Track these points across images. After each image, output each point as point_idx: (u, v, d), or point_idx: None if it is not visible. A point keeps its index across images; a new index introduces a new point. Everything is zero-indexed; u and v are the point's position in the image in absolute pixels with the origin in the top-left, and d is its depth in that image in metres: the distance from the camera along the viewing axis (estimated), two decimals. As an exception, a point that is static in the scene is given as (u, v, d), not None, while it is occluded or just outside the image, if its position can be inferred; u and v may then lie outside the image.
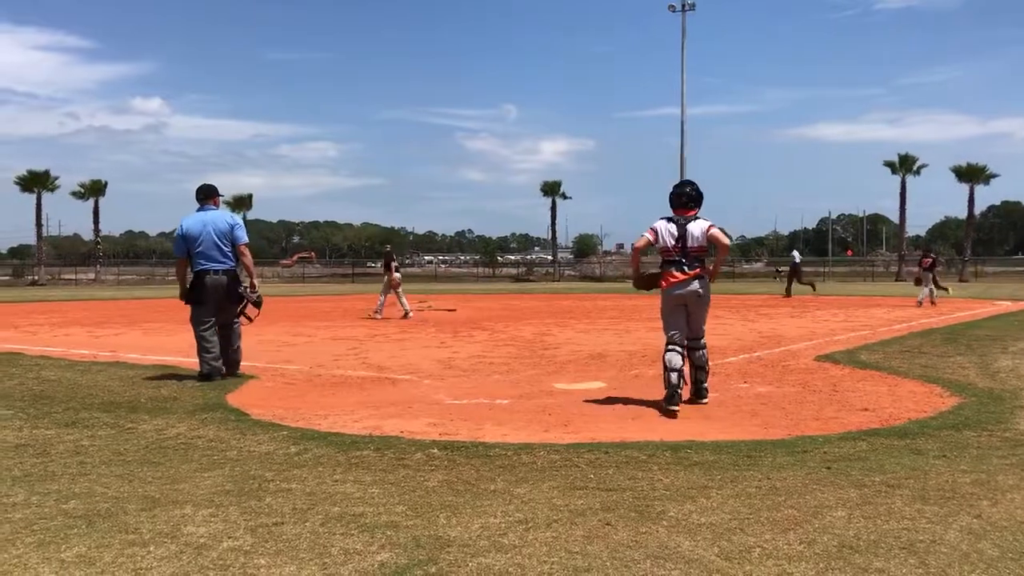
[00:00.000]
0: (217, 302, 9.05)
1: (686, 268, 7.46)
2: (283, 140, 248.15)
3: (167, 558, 3.63)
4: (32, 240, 68.70)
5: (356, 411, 7.16)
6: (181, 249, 9.09)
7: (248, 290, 9.28)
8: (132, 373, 9.51)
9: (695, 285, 7.46)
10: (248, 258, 9.22)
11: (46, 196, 64.81)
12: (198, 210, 9.19)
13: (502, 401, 7.76)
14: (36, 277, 62.65)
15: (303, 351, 12.30)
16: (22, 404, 7.45)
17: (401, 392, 8.37)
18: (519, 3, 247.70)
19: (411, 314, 20.01)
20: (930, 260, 25.72)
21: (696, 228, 7.46)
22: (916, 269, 28.13)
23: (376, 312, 20.19)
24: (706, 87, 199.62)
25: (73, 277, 65.98)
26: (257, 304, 9.34)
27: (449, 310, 23.35)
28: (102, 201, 68.28)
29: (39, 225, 65.42)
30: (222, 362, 8.99)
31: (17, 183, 64.77)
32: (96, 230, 70.22)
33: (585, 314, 21.40)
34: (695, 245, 7.45)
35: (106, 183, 68.30)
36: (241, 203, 73.68)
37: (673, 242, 7.45)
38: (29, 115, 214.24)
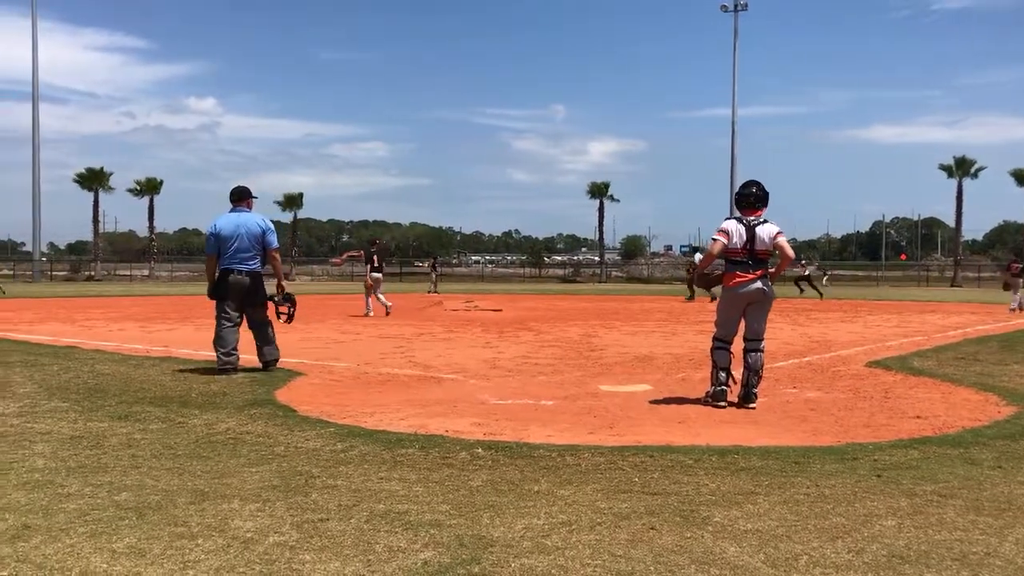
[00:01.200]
0: (240, 301, 9.19)
1: (751, 269, 7.46)
2: (334, 139, 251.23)
3: (214, 551, 3.68)
4: (89, 236, 70.26)
5: (402, 409, 7.16)
6: (212, 247, 9.26)
7: (277, 293, 9.49)
8: (183, 368, 9.62)
9: (760, 284, 7.52)
10: (278, 263, 9.37)
11: (103, 193, 66.27)
12: (231, 211, 9.32)
13: (547, 402, 7.71)
14: (93, 273, 64.11)
15: (351, 348, 12.35)
16: (77, 397, 7.58)
17: (446, 391, 8.36)
18: (568, 3, 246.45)
19: (371, 314, 20.15)
20: (1020, 266, 25.05)
21: (764, 232, 7.51)
22: (1004, 274, 27.40)
23: (373, 310, 20.57)
24: (758, 88, 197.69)
25: (128, 273, 67.36)
26: (289, 302, 9.53)
27: (495, 310, 23.35)
28: (157, 199, 69.62)
29: (96, 222, 67.11)
30: (236, 358, 9.14)
31: (76, 180, 66.37)
32: (151, 227, 71.51)
33: (632, 316, 21.26)
34: (762, 248, 7.51)
35: (161, 181, 69.51)
36: (292, 202, 74.57)
37: (741, 244, 7.45)
38: (88, 114, 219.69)
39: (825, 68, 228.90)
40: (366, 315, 20.09)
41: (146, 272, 67.56)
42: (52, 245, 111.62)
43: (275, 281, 9.60)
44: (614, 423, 6.67)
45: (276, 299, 9.53)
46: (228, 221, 9.24)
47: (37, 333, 14.56)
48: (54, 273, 65.91)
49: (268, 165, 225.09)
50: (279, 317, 9.50)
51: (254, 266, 9.26)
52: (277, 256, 9.34)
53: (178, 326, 16.41)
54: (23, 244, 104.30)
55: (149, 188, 68.55)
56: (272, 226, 9.39)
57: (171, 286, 47.89)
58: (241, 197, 9.41)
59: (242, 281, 9.19)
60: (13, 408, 7.04)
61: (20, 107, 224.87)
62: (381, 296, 20.48)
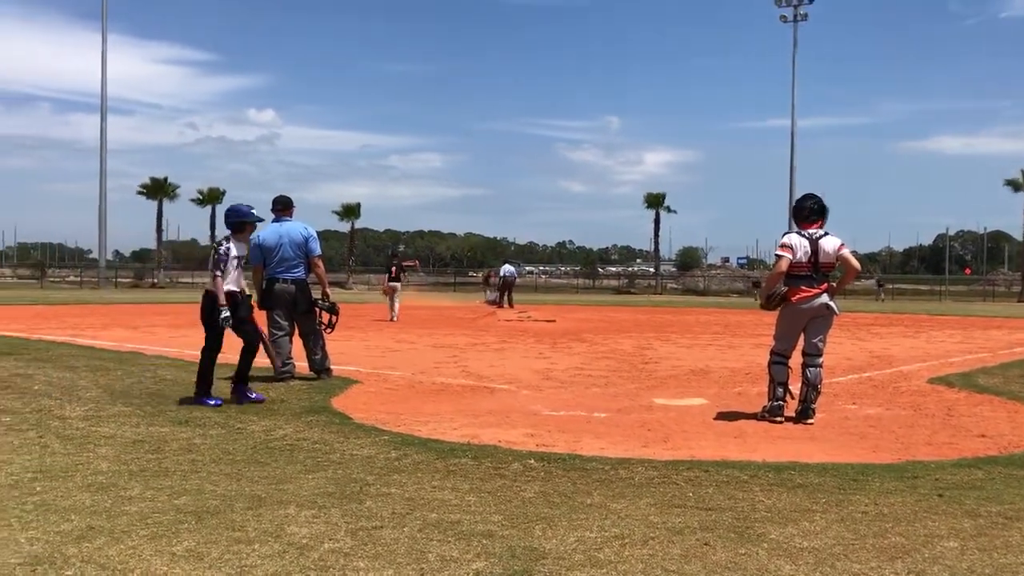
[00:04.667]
0: (288, 309, 9.25)
1: (815, 283, 7.38)
2: (391, 151, 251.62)
3: (270, 556, 3.73)
4: (153, 244, 71.76)
5: (455, 419, 7.17)
6: (257, 258, 9.29)
7: (322, 300, 9.44)
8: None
9: (824, 298, 7.44)
10: (321, 269, 9.41)
11: (167, 203, 67.76)
12: (274, 220, 9.40)
13: (600, 414, 7.67)
14: (156, 280, 65.46)
15: (406, 357, 12.42)
16: (139, 402, 7.70)
17: (499, 401, 8.34)
18: (621, 13, 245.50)
19: (395, 319, 21.38)
20: None
21: (828, 244, 7.45)
22: None
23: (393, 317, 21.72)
24: (817, 98, 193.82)
25: (190, 280, 68.46)
26: (330, 310, 9.45)
27: (549, 321, 23.27)
28: (219, 208, 70.75)
29: (159, 230, 68.58)
30: (292, 366, 9.20)
31: (141, 191, 67.93)
32: (212, 236, 72.54)
33: (687, 328, 21.04)
34: (826, 261, 7.44)
35: (223, 191, 70.55)
36: (349, 212, 74.98)
37: (807, 258, 7.39)
38: (153, 125, 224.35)
39: (887, 78, 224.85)
40: (392, 320, 21.28)
41: (189, 279, 68.41)
42: (117, 253, 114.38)
43: (321, 289, 9.66)
44: (668, 437, 6.61)
45: (321, 304, 9.52)
46: (271, 231, 9.34)
47: (102, 339, 14.84)
48: (119, 280, 67.35)
49: (326, 176, 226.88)
50: (318, 325, 9.53)
51: (299, 274, 9.32)
52: (320, 263, 9.41)
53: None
54: (90, 251, 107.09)
55: (211, 198, 69.74)
56: (315, 233, 9.46)
57: (197, 291, 48.04)
58: (284, 207, 9.50)
59: (288, 289, 9.28)
60: (79, 412, 7.19)
61: (89, 119, 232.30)
62: (395, 304, 21.80)
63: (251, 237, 8.66)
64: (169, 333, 16.77)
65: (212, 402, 7.56)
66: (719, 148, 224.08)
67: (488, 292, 39.86)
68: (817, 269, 7.42)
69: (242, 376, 7.83)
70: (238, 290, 7.79)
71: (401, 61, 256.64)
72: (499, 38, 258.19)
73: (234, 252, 7.74)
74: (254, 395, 7.83)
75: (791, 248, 7.43)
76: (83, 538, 3.93)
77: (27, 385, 8.60)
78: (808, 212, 7.53)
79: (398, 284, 22.45)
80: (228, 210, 7.98)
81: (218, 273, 7.64)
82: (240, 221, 7.95)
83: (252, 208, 8.07)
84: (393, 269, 22.59)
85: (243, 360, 7.79)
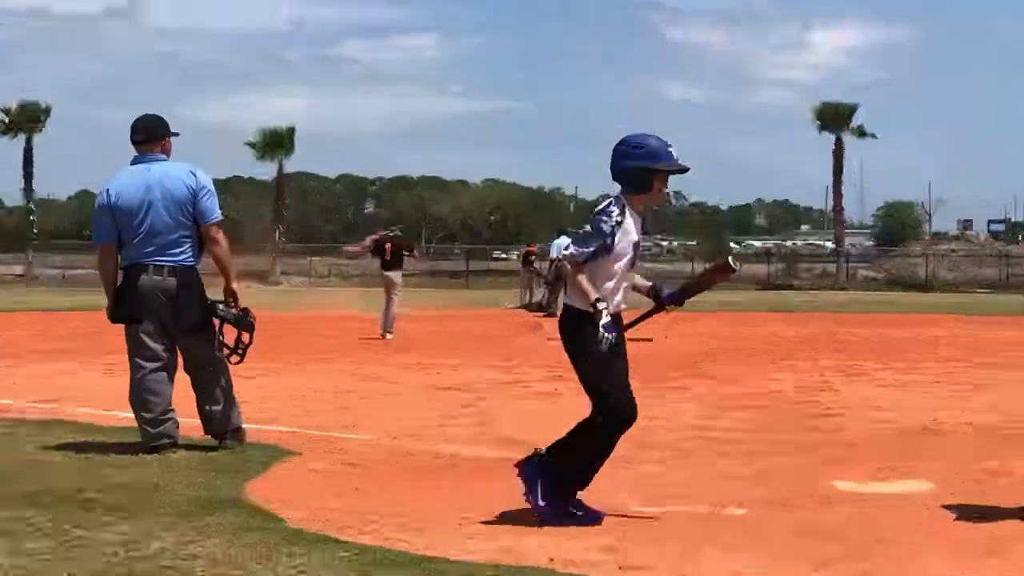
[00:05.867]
0: (163, 322, 6.76)
1: None
2: (348, 31, 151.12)
3: None
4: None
5: (469, 520, 5.23)
6: (106, 229, 6.78)
7: (225, 305, 6.95)
8: (85, 440, 7.28)
9: None
10: (223, 247, 6.86)
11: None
12: (135, 161, 6.88)
13: (736, 510, 5.52)
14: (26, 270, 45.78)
15: (379, 408, 9.27)
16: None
17: None
18: None
19: (388, 335, 15.44)
20: None
21: None
22: None
23: (386, 330, 15.70)
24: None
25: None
26: (243, 325, 7.00)
27: (640, 339, 16.02)
28: (38, 141, 44.89)
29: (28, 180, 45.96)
30: (174, 424, 6.85)
31: None
32: (28, 192, 46.95)
33: (896, 351, 14.84)
34: None
35: (47, 108, 45.41)
36: (275, 144, 47.82)
37: None
38: None
39: None
40: (383, 336, 15.64)
41: (19, 270, 44.82)
42: None
43: (224, 285, 7.08)
44: (865, 553, 4.73)
45: (223, 313, 6.95)
46: (130, 182, 6.74)
47: None
48: None
49: (231, 78, 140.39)
50: (219, 350, 7.01)
51: (182, 259, 6.70)
52: (221, 236, 6.85)
53: (76, 365, 12.52)
54: None
55: (23, 121, 44.56)
56: (208, 183, 6.82)
57: (63, 293, 33.51)
58: (152, 135, 6.86)
59: (164, 285, 6.67)
60: None
61: None
62: (391, 309, 15.84)
63: (99, 193, 6.62)
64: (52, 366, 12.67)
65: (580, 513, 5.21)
66: (951, 23, 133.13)
67: (527, 288, 26.27)
68: None
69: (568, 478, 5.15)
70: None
71: None
72: None
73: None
74: (580, 511, 5.23)
75: None
76: None
77: None
78: None
79: (397, 274, 16.27)
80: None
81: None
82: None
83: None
84: (387, 249, 16.13)
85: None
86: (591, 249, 4.64)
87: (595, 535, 4.82)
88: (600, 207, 4.86)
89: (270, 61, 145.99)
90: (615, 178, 4.87)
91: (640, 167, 4.71)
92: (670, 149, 4.79)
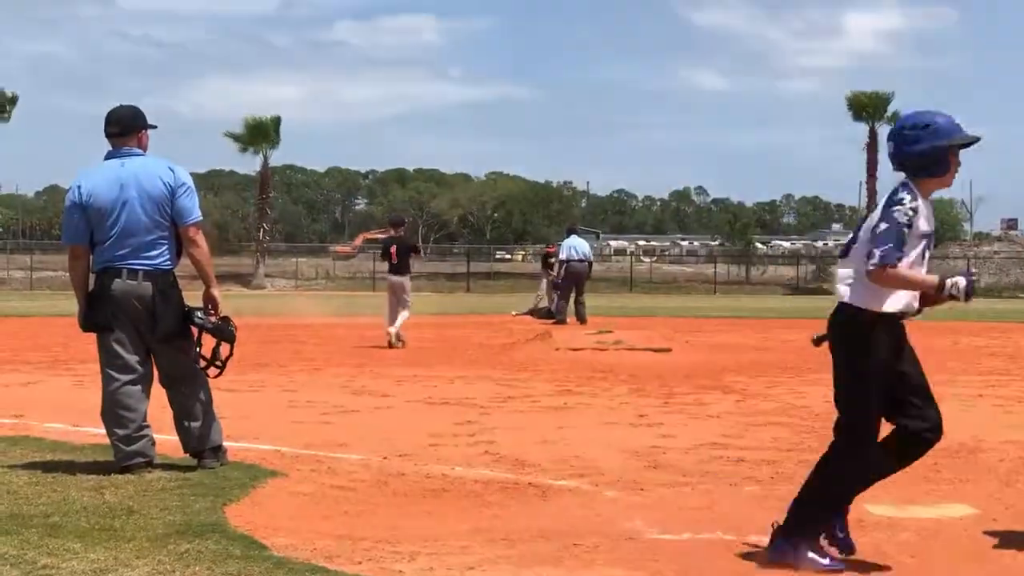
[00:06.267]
0: (137, 330, 6.33)
1: None
2: (339, 12, 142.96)
3: None
4: None
5: (470, 547, 4.80)
6: (78, 229, 6.37)
7: (203, 312, 6.50)
8: (53, 459, 6.87)
9: None
10: (202, 250, 6.43)
11: None
12: (108, 156, 6.46)
13: (762, 539, 4.87)
14: None
15: (370, 423, 8.74)
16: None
17: (559, 513, 5.62)
18: None
19: (398, 343, 14.70)
20: None
21: None
22: None
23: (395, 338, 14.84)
24: None
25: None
26: (223, 335, 6.55)
27: (658, 349, 15.08)
28: (3, 131, 45.63)
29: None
30: (149, 442, 6.44)
31: None
32: None
33: (936, 362, 14.08)
34: None
35: (13, 97, 44.46)
36: (259, 135, 45.30)
37: None
38: None
39: None
40: (391, 345, 14.91)
41: None
42: None
43: (204, 290, 6.62)
44: None
45: (201, 322, 6.51)
46: (103, 178, 6.32)
47: None
48: None
49: (213, 64, 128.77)
50: (196, 362, 6.57)
51: (160, 261, 6.27)
52: (200, 238, 6.44)
53: (43, 375, 12.01)
54: None
55: None
56: (188, 180, 6.41)
57: (31, 297, 33.81)
58: (127, 128, 6.42)
59: (139, 290, 6.24)
60: None
61: None
62: (401, 314, 14.90)
63: (70, 189, 6.21)
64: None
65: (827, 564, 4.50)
66: (997, 4, 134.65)
67: (543, 293, 23.84)
68: None
69: None
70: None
71: None
72: None
73: None
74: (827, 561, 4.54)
75: None
76: None
77: None
78: None
79: (406, 279, 15.15)
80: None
81: None
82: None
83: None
84: (393, 252, 15.04)
85: None
86: (892, 244, 4.19)
87: (607, 566, 4.38)
88: (890, 197, 4.43)
89: (256, 45, 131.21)
90: (903, 167, 4.48)
91: (936, 147, 4.35)
92: (957, 122, 4.47)
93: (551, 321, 19.63)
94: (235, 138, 45.79)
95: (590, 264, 20.72)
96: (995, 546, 4.85)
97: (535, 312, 22.19)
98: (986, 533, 5.12)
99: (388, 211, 65.46)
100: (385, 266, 15.85)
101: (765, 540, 4.80)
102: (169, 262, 6.24)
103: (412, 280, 16.22)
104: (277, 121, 46.14)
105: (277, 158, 49.78)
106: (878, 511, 5.51)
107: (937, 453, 7.17)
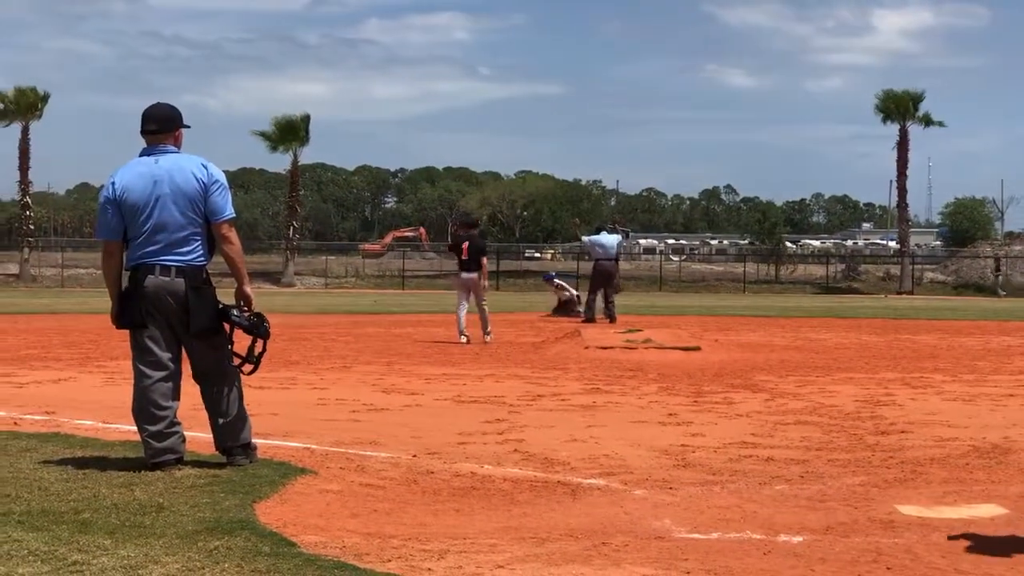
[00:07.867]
0: (170, 327, 6.24)
1: None
2: (368, 11, 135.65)
3: None
4: None
5: (499, 545, 4.76)
6: (111, 226, 6.26)
7: (238, 309, 6.39)
8: (83, 455, 6.78)
9: None
10: (235, 247, 6.33)
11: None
12: (143, 153, 6.35)
13: (791, 538, 4.87)
14: (21, 270, 43.93)
15: (400, 422, 8.63)
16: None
17: (588, 511, 5.52)
18: None
19: (487, 337, 14.63)
20: None
21: None
22: None
23: (462, 336, 14.93)
24: None
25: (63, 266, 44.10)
26: (258, 332, 6.42)
27: (686, 348, 15.02)
28: (35, 128, 42.69)
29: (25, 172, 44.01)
30: (180, 439, 6.36)
31: None
32: (23, 185, 43.91)
33: (967, 362, 13.84)
34: None
35: (45, 96, 42.07)
36: (290, 133, 44.90)
37: None
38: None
39: None
40: (462, 342, 15.00)
41: (14, 269, 43.56)
42: None
43: (236, 287, 6.54)
44: None
45: (235, 318, 6.39)
46: (137, 175, 6.23)
47: None
48: None
49: (243, 63, 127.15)
50: (229, 360, 6.46)
51: (192, 258, 6.18)
52: (233, 235, 6.35)
53: (73, 372, 11.96)
54: None
55: (21, 108, 41.56)
56: (221, 177, 6.32)
57: (62, 295, 33.53)
58: (163, 126, 6.34)
59: (172, 286, 6.13)
60: None
61: None
62: (485, 310, 14.61)
63: (105, 186, 6.03)
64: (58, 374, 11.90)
65: None
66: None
67: (563, 290, 23.65)
68: None
69: None
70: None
71: None
72: None
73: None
74: None
75: None
76: None
77: None
78: None
79: (476, 275, 14.89)
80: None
81: None
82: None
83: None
84: (464, 248, 14.76)
85: None
86: None
87: (637, 566, 4.29)
88: None
89: (287, 44, 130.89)
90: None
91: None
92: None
93: (580, 319, 19.45)
94: (265, 137, 45.39)
95: (617, 260, 20.37)
96: (1013, 544, 4.73)
97: (567, 310, 21.94)
98: (1017, 534, 5.01)
99: (417, 209, 64.64)
100: (455, 263, 15.46)
101: (795, 539, 4.72)
102: (202, 258, 6.18)
103: (439, 278, 16.21)
104: (307, 119, 45.79)
105: (307, 156, 50.04)
106: (909, 511, 5.40)
107: (968, 453, 7.04)
